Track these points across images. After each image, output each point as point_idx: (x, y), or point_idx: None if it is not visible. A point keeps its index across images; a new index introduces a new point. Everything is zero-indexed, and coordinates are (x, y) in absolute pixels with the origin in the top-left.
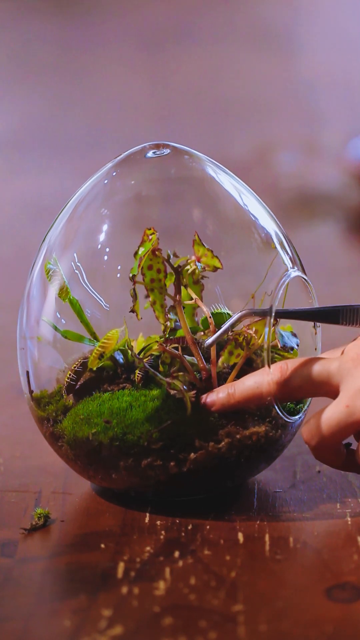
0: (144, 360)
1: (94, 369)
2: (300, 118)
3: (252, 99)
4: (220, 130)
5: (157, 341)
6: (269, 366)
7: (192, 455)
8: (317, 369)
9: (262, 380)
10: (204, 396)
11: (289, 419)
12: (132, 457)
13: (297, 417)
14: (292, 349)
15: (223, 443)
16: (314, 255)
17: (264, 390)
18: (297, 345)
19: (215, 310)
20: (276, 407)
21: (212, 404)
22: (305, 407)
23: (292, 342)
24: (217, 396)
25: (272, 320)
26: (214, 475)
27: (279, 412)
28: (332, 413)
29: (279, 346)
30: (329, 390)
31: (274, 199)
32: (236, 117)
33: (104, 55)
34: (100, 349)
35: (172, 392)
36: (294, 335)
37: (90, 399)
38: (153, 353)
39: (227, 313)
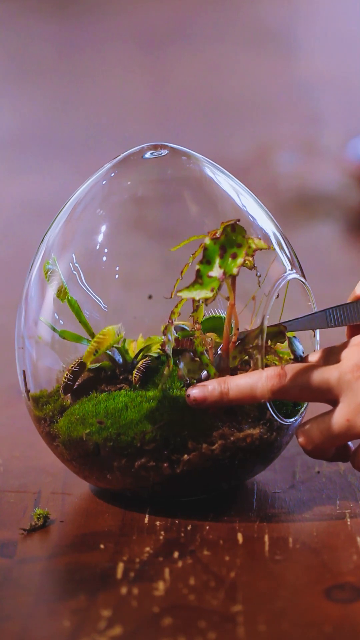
0: (142, 361)
1: (88, 364)
2: (299, 118)
3: (252, 99)
4: (219, 130)
5: (182, 336)
6: (262, 368)
7: (186, 456)
8: (317, 378)
9: (258, 384)
10: (190, 389)
11: (284, 421)
12: (125, 457)
13: (293, 419)
14: (302, 357)
15: (216, 445)
16: (314, 255)
17: (259, 394)
18: (303, 353)
19: (213, 315)
20: (271, 410)
21: (202, 400)
22: (302, 409)
23: (300, 349)
24: (209, 392)
25: (266, 322)
26: (208, 477)
27: (274, 416)
28: (332, 425)
29: (294, 356)
30: (328, 398)
31: (273, 199)
32: (235, 117)
33: (103, 55)
34: (95, 344)
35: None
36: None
37: (86, 399)
38: (151, 354)
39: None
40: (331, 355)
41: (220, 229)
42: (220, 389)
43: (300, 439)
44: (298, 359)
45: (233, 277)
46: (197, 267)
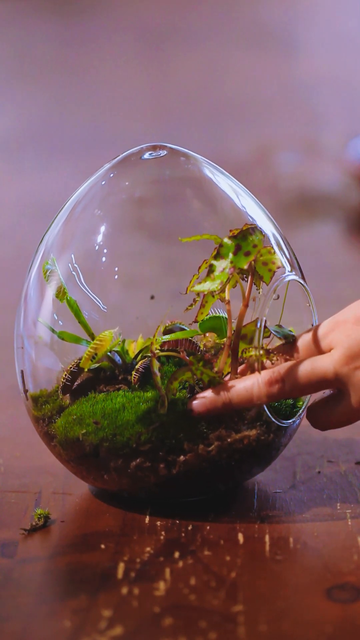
0: (141, 362)
1: (86, 369)
2: (300, 118)
3: (252, 99)
4: (220, 131)
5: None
6: (259, 372)
7: (182, 457)
8: (313, 377)
9: (254, 390)
10: (190, 401)
11: (282, 423)
12: (121, 458)
13: (291, 420)
14: (292, 337)
15: (213, 446)
16: (314, 255)
17: (256, 398)
18: (293, 334)
19: (214, 315)
20: (268, 413)
21: (205, 412)
22: (301, 411)
23: (286, 330)
24: (210, 404)
25: (262, 323)
26: (204, 478)
27: (271, 418)
28: (343, 413)
29: (279, 337)
30: (325, 387)
31: (274, 199)
32: (236, 117)
33: (103, 54)
34: (92, 350)
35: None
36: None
37: (84, 400)
38: (150, 355)
39: (225, 317)
40: (320, 341)
41: (237, 230)
42: (222, 399)
43: (312, 423)
44: (289, 339)
45: (245, 276)
46: (210, 262)
